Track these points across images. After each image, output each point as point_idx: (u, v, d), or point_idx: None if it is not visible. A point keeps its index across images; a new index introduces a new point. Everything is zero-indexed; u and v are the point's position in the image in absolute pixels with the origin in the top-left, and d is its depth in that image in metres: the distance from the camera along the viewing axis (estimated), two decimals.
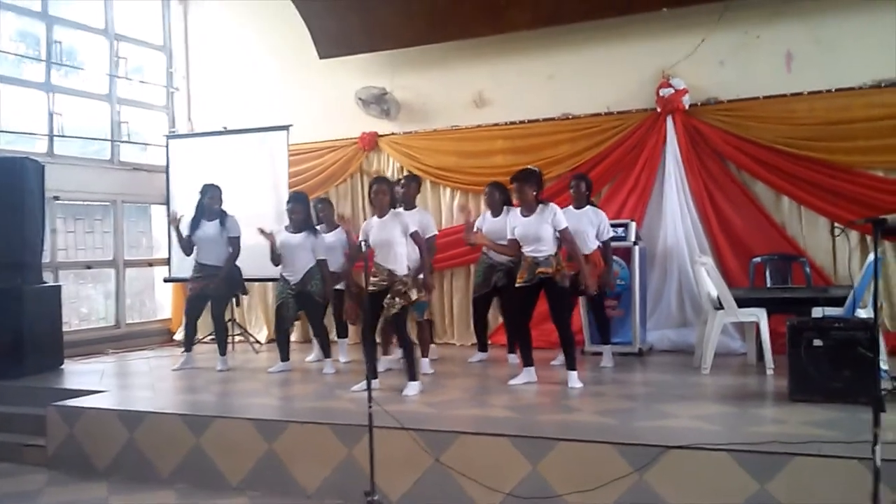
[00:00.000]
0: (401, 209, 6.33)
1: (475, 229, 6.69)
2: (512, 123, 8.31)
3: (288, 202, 7.12)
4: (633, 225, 7.32)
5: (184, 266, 7.98)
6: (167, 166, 9.25)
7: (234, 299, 7.95)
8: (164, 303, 10.01)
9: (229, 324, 7.99)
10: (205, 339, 7.70)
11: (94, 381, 6.77)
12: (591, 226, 6.51)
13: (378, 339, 7.00)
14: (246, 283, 7.76)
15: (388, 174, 8.54)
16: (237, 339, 8.64)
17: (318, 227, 7.11)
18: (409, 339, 6.00)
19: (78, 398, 6.00)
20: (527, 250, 5.87)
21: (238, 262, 7.33)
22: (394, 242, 5.79)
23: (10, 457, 5.88)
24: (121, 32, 9.59)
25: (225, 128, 9.29)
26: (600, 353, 6.80)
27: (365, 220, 8.78)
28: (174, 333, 9.60)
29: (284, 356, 7.03)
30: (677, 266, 7.51)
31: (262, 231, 6.82)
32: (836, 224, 6.97)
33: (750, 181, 7.41)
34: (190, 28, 10.22)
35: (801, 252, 7.15)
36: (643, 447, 4.10)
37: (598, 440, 4.25)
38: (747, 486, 3.85)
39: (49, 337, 7.34)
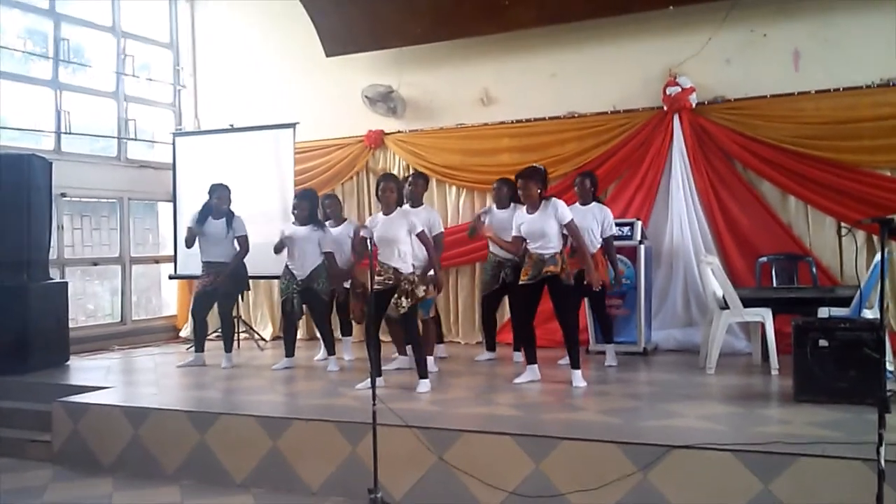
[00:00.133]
0: (408, 206, 6.33)
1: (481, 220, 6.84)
2: (518, 122, 8.30)
3: (294, 199, 7.13)
4: (639, 224, 7.30)
5: (189, 263, 8.01)
6: (174, 163, 9.27)
7: (240, 297, 7.96)
8: (170, 300, 10.03)
9: (236, 321, 8.00)
10: (210, 336, 7.71)
11: (99, 378, 6.79)
12: (596, 223, 6.51)
13: (391, 339, 7.02)
14: (250, 281, 7.75)
15: (395, 172, 8.52)
16: (242, 336, 8.65)
17: (325, 223, 7.11)
18: (419, 337, 6.01)
19: (83, 394, 6.03)
20: (532, 247, 5.87)
21: (244, 260, 7.34)
22: (398, 240, 5.80)
23: (15, 452, 5.90)
24: (128, 30, 9.61)
25: (231, 125, 9.30)
26: (604, 353, 6.79)
27: (370, 217, 8.85)
28: (180, 330, 9.63)
29: (290, 352, 7.05)
30: (683, 265, 7.49)
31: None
32: (842, 224, 6.94)
33: (756, 180, 7.39)
34: (197, 25, 10.24)
35: (808, 252, 7.12)
36: (647, 447, 4.09)
37: (602, 439, 4.24)
38: (751, 486, 3.84)
39: (55, 333, 7.37)
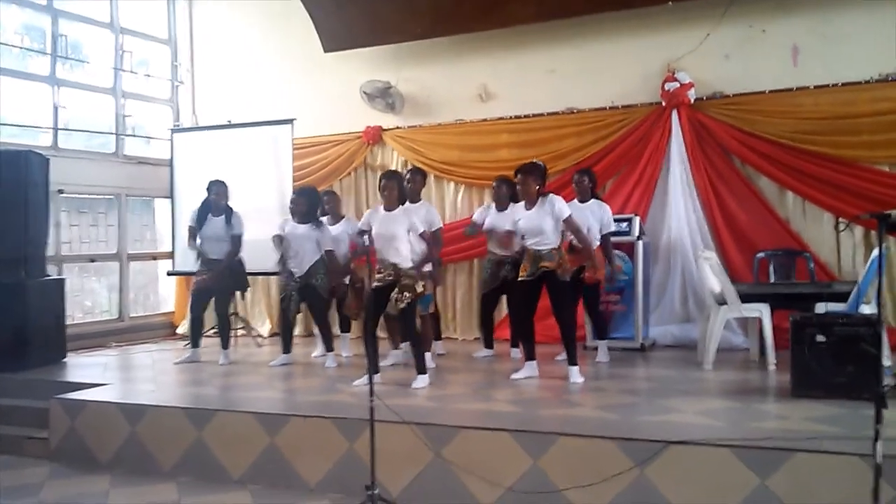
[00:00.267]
0: (408, 204, 6.32)
1: (479, 222, 6.93)
2: (516, 117, 8.29)
3: (292, 195, 7.13)
4: (637, 219, 7.29)
5: (187, 260, 8.01)
6: (171, 160, 9.26)
7: (237, 294, 7.95)
8: (167, 296, 10.03)
9: (232, 318, 8.00)
10: (207, 333, 7.71)
11: (97, 375, 6.79)
12: (595, 219, 6.50)
13: (386, 334, 7.02)
14: (248, 278, 7.75)
15: (394, 168, 8.50)
16: (240, 332, 8.64)
17: (322, 220, 7.10)
18: (418, 333, 6.00)
19: (80, 391, 6.02)
20: (530, 243, 5.87)
21: (242, 257, 7.34)
22: (397, 237, 5.79)
23: (12, 449, 5.89)
24: (126, 26, 9.59)
25: (229, 121, 9.29)
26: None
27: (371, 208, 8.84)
28: (177, 327, 9.63)
29: (286, 348, 7.05)
30: (681, 261, 7.49)
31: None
32: (840, 219, 6.94)
33: (754, 176, 7.39)
34: (195, 21, 10.22)
35: (805, 247, 7.12)
36: (644, 442, 4.09)
37: (600, 435, 4.24)
38: (748, 481, 3.84)
39: (52, 330, 7.35)
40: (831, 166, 7.01)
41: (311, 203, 6.95)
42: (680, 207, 7.48)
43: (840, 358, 4.84)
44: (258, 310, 9.58)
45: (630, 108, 7.79)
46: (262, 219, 8.09)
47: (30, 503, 4.84)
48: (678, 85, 7.43)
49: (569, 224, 5.85)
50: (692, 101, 7.46)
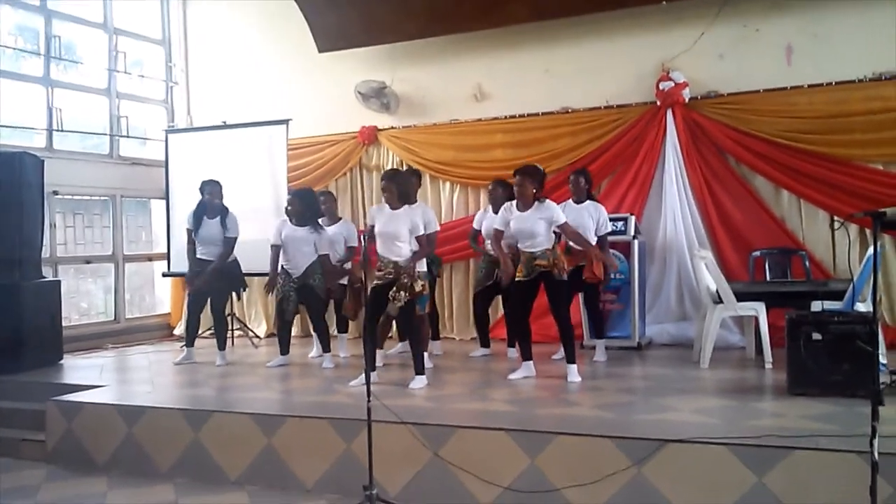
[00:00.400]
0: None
1: (477, 229, 7.04)
2: (511, 117, 8.29)
3: (288, 196, 7.13)
4: (633, 219, 7.30)
5: (183, 261, 7.97)
6: (166, 161, 9.25)
7: (234, 295, 7.94)
8: (163, 297, 10.01)
9: (228, 318, 7.99)
10: (204, 334, 7.70)
11: (93, 376, 6.76)
12: (591, 220, 6.51)
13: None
14: (245, 278, 7.74)
15: (394, 168, 8.48)
16: (237, 333, 8.64)
17: (321, 222, 7.09)
18: (418, 333, 5.99)
19: (77, 393, 6.00)
20: (522, 246, 5.87)
21: (238, 257, 7.34)
22: (399, 236, 5.78)
23: (9, 452, 5.88)
24: (120, 26, 9.57)
25: (224, 122, 9.27)
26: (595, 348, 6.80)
27: (364, 213, 8.85)
28: (174, 328, 9.62)
29: (284, 350, 7.04)
30: (677, 260, 7.51)
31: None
32: (835, 217, 6.96)
33: (749, 175, 7.40)
34: (189, 22, 10.20)
35: (801, 246, 7.14)
36: (641, 441, 4.10)
37: (597, 434, 4.24)
38: (745, 479, 3.85)
39: (48, 332, 7.33)
40: (826, 165, 7.03)
41: (307, 204, 6.93)
42: (675, 206, 7.49)
43: (836, 356, 4.85)
44: (255, 310, 9.56)
45: (625, 107, 7.80)
46: (258, 219, 8.10)
47: None
48: (673, 84, 7.45)
49: (565, 229, 5.85)
50: (687, 100, 7.47)
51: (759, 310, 6.10)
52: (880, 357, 4.95)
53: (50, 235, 8.30)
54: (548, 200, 5.89)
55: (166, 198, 9.17)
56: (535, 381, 5.91)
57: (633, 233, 7.21)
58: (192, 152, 9.08)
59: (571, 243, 6.19)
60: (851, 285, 5.56)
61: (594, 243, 6.47)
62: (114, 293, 9.31)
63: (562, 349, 6.68)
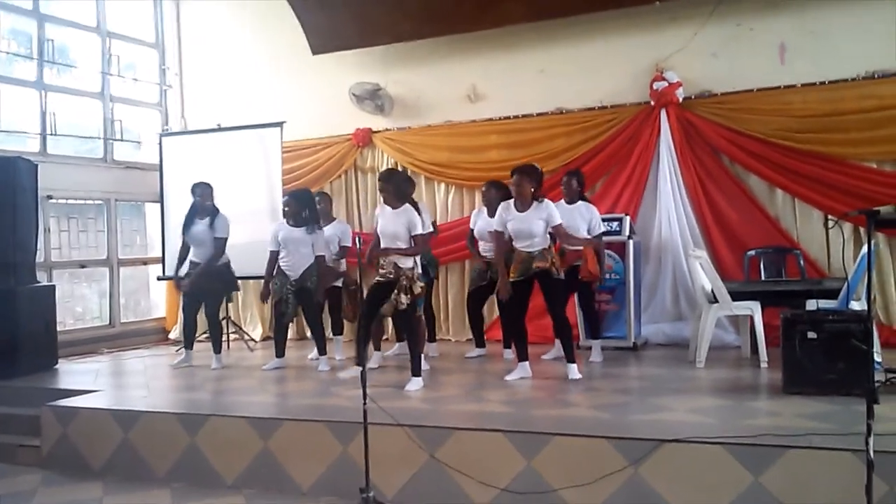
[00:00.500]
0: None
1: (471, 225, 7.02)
2: (506, 118, 8.29)
3: (284, 197, 7.12)
4: (628, 219, 7.30)
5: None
6: (161, 164, 9.22)
7: (226, 298, 7.92)
8: (158, 301, 9.99)
9: (224, 322, 7.98)
10: (200, 338, 7.68)
11: (88, 381, 6.75)
12: (583, 221, 6.51)
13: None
14: (240, 282, 7.72)
15: (390, 168, 8.46)
16: (232, 337, 8.62)
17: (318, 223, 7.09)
18: (417, 335, 5.99)
19: (72, 398, 5.98)
20: (520, 245, 5.86)
21: (232, 261, 7.32)
22: (398, 236, 5.79)
23: (4, 457, 5.84)
24: (113, 30, 9.55)
25: (219, 125, 9.27)
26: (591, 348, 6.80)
27: (359, 215, 8.86)
28: (169, 332, 9.59)
29: (280, 352, 7.03)
30: (672, 260, 7.51)
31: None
32: (829, 216, 6.96)
33: (744, 174, 7.41)
34: (182, 25, 10.19)
35: (795, 244, 7.15)
36: (638, 441, 4.10)
37: (593, 435, 4.24)
38: (742, 478, 3.85)
39: (43, 337, 7.32)
40: (820, 164, 7.04)
41: (304, 204, 6.92)
42: (670, 206, 7.50)
43: (831, 354, 4.86)
44: (250, 313, 9.55)
45: (619, 107, 7.80)
46: (253, 222, 8.09)
47: None
48: (667, 84, 7.46)
49: (558, 231, 5.85)
50: (681, 100, 7.48)
51: (754, 309, 6.11)
52: (875, 355, 4.95)
53: (44, 240, 8.27)
54: (546, 200, 5.89)
55: (161, 201, 9.14)
56: (532, 381, 5.90)
57: (628, 233, 7.22)
58: (186, 155, 9.06)
59: (564, 245, 6.19)
60: (846, 284, 5.56)
61: (587, 242, 6.46)
62: (109, 297, 9.28)
63: (553, 350, 6.72)
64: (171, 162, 9.13)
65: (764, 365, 6.01)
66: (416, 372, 5.85)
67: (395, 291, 5.74)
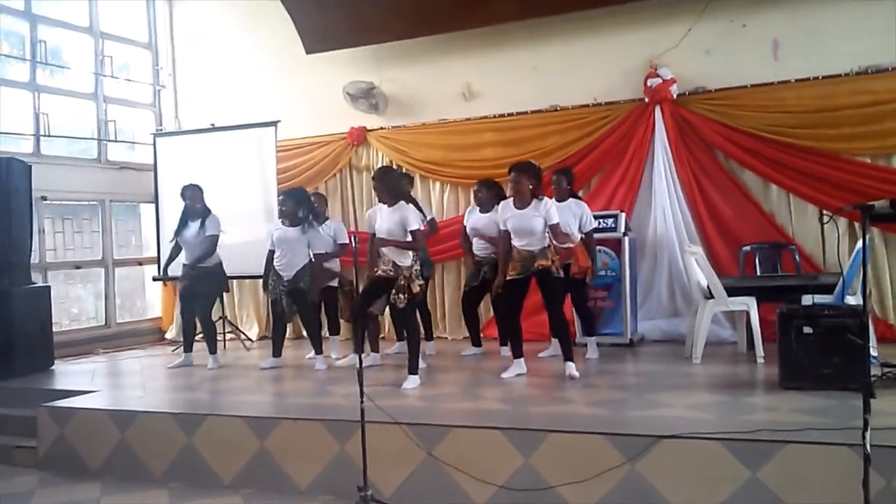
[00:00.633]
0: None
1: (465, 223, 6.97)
2: (500, 116, 8.29)
3: (279, 196, 7.11)
4: (623, 216, 7.31)
5: (174, 265, 7.95)
6: (155, 164, 9.22)
7: (218, 298, 7.89)
8: (154, 302, 9.98)
9: (221, 321, 7.96)
10: (196, 338, 7.67)
11: (84, 382, 6.74)
12: (573, 218, 6.48)
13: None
14: (235, 281, 7.72)
15: (384, 166, 8.45)
16: (228, 336, 8.61)
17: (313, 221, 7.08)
18: (416, 333, 6.00)
19: (68, 399, 5.97)
20: (519, 244, 5.84)
21: (227, 260, 7.30)
22: (392, 234, 5.79)
23: (0, 459, 5.84)
24: (106, 30, 9.52)
25: (213, 125, 9.24)
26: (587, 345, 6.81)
27: (354, 214, 8.86)
28: (165, 332, 9.57)
29: (277, 352, 7.02)
30: (667, 256, 7.52)
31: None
32: (824, 211, 6.97)
33: (738, 170, 7.42)
34: (176, 25, 10.16)
35: (790, 240, 7.16)
36: (635, 437, 4.10)
37: (591, 431, 4.25)
38: (739, 473, 3.86)
39: (39, 338, 7.30)
40: (814, 159, 7.05)
41: (299, 203, 6.91)
42: (665, 203, 7.50)
43: (827, 349, 4.86)
44: (246, 313, 9.53)
45: (613, 104, 7.80)
46: (248, 222, 8.08)
47: None
48: (660, 81, 7.46)
49: (554, 230, 5.83)
50: (675, 96, 7.48)
51: (749, 304, 6.13)
52: (871, 350, 4.98)
53: (39, 241, 8.26)
54: (546, 198, 5.88)
55: (156, 202, 9.13)
56: (528, 378, 5.91)
57: (623, 230, 7.22)
58: (180, 156, 9.05)
59: (555, 243, 6.18)
60: (841, 279, 5.58)
61: (578, 240, 6.44)
62: (104, 298, 9.27)
63: (550, 347, 6.72)
64: (166, 162, 9.12)
65: (760, 360, 6.03)
66: (413, 370, 5.85)
67: (394, 291, 5.74)
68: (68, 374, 7.26)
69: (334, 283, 7.23)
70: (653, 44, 7.58)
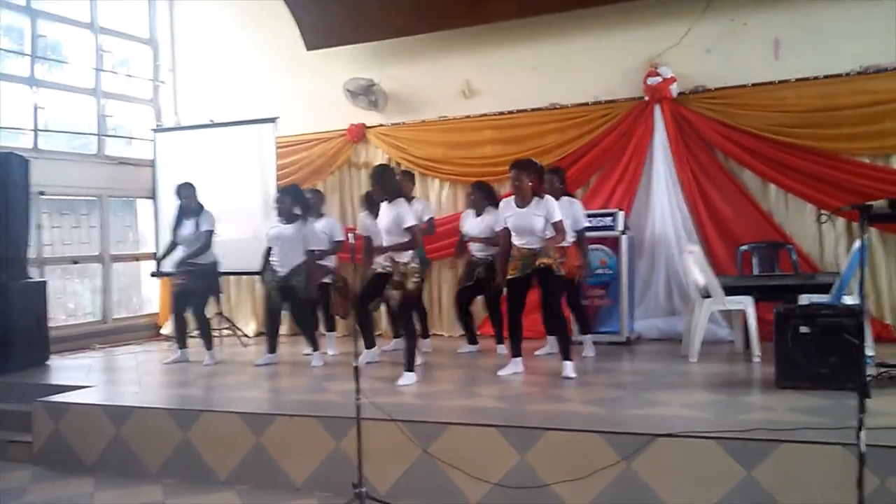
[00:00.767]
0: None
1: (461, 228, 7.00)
2: (500, 114, 8.28)
3: (275, 194, 7.11)
4: (622, 214, 7.31)
5: (170, 260, 7.95)
6: (154, 160, 9.22)
7: (214, 296, 7.89)
8: (151, 297, 9.96)
9: (217, 317, 7.94)
10: (192, 334, 7.67)
11: (80, 377, 6.72)
12: (567, 217, 6.46)
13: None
14: (233, 277, 7.71)
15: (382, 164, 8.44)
16: (225, 332, 8.60)
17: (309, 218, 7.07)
18: (413, 330, 6.00)
19: (64, 394, 5.96)
20: (519, 242, 5.82)
21: (224, 256, 7.30)
22: (389, 230, 5.80)
23: None
24: (105, 26, 9.51)
25: (212, 121, 9.24)
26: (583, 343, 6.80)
27: (353, 210, 8.85)
28: (161, 328, 9.57)
29: (271, 348, 7.01)
30: (665, 255, 7.52)
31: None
32: (822, 211, 6.97)
33: (737, 169, 7.41)
34: (176, 20, 10.15)
35: (788, 239, 7.16)
36: (631, 436, 4.10)
37: (586, 429, 4.24)
38: (735, 472, 3.85)
39: (35, 332, 7.30)
40: (813, 159, 7.05)
41: (294, 199, 6.90)
42: (664, 202, 7.50)
43: (824, 349, 4.86)
44: (243, 309, 9.52)
45: (613, 103, 7.80)
46: (246, 218, 8.07)
47: None
48: (660, 79, 7.45)
49: (556, 228, 5.79)
50: (675, 95, 7.47)
51: (747, 304, 6.12)
52: (867, 350, 4.98)
53: (36, 236, 8.24)
54: (547, 196, 5.86)
55: (154, 197, 9.13)
56: (524, 377, 5.90)
57: (621, 228, 7.22)
58: (179, 151, 9.04)
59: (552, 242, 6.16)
60: (838, 278, 5.57)
61: (572, 239, 6.42)
62: (101, 293, 9.26)
63: (547, 346, 6.71)
64: (165, 158, 9.12)
65: (757, 359, 6.02)
66: (409, 367, 5.84)
67: (392, 288, 5.76)
68: (64, 369, 7.25)
69: (328, 280, 7.22)
70: (653, 42, 7.56)
